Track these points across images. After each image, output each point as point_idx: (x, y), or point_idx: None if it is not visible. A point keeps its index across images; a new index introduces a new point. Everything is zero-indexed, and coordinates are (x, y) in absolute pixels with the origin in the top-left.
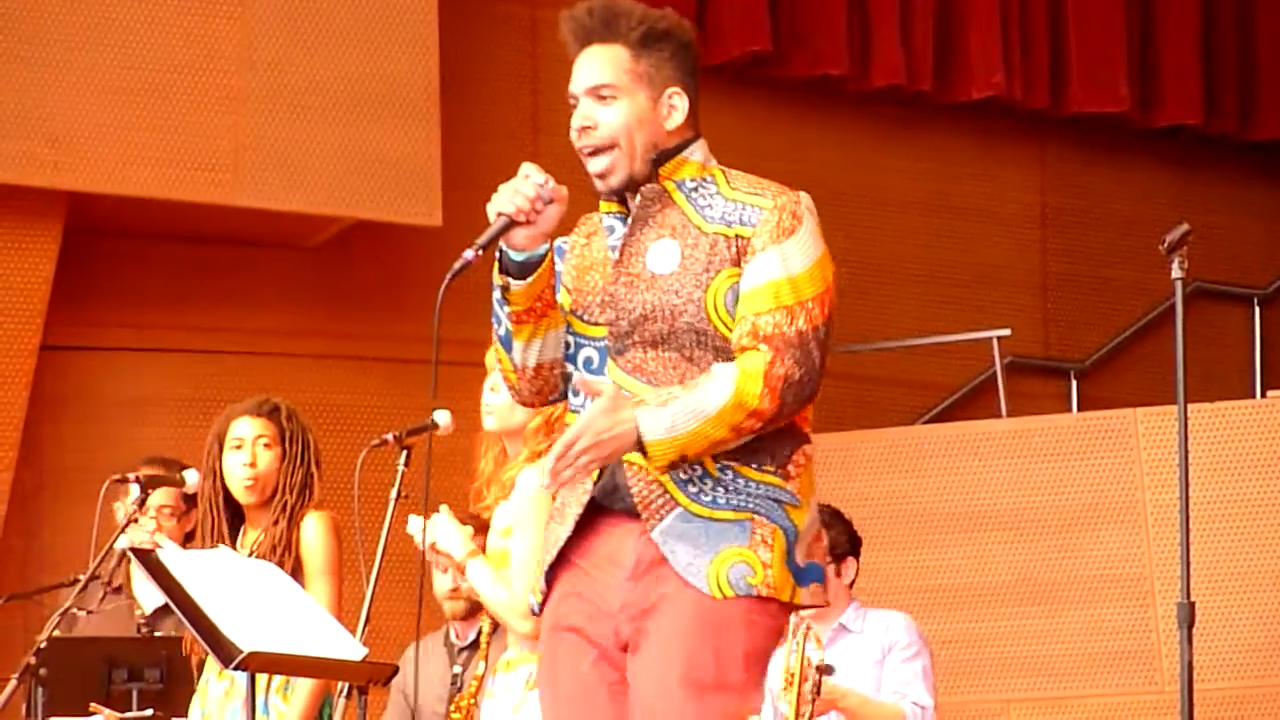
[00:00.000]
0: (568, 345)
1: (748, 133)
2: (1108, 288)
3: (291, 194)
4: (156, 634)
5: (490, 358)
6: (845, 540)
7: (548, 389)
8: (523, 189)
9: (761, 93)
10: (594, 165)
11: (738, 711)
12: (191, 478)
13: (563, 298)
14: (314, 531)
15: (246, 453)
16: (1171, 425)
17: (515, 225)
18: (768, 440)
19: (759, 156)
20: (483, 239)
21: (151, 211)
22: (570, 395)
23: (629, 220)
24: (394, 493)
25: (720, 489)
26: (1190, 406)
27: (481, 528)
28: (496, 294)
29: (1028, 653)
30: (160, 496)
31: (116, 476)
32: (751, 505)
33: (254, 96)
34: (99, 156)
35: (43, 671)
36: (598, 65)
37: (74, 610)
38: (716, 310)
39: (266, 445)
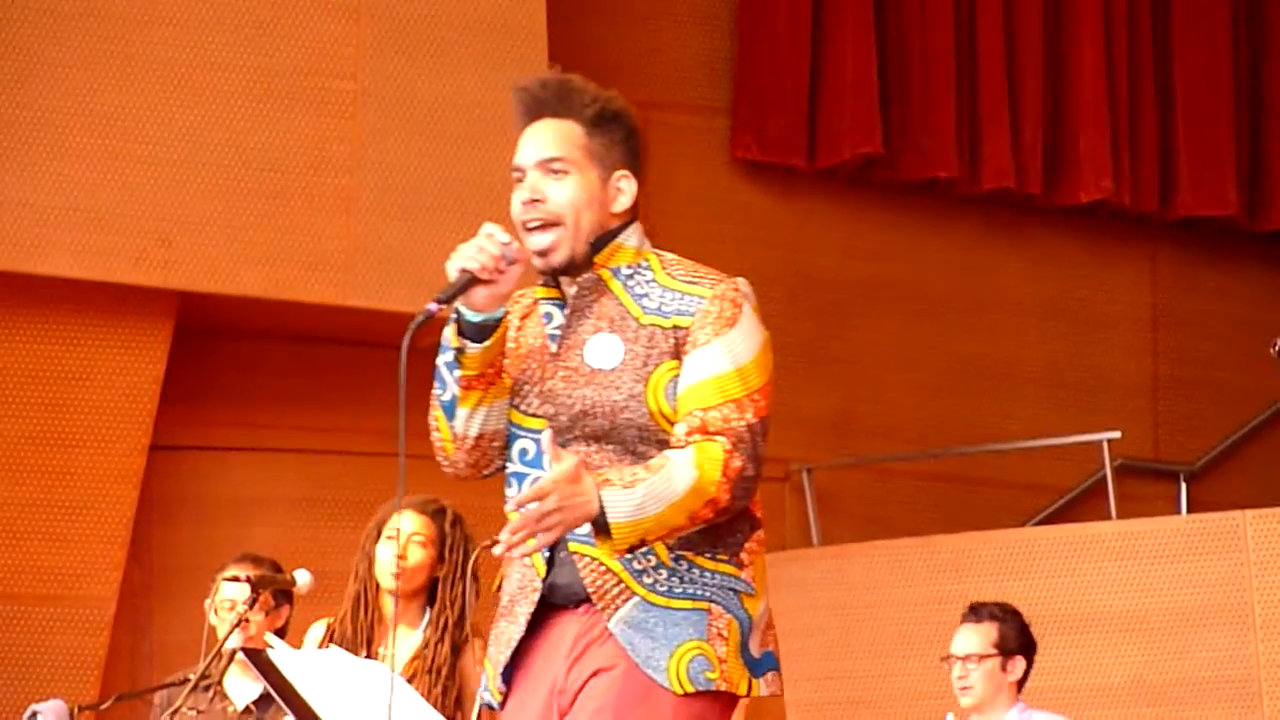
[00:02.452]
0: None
1: (859, 235)
2: (1218, 390)
3: (403, 294)
4: None
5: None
6: (1015, 636)
7: (484, 461)
8: (487, 247)
9: (873, 195)
10: (537, 241)
11: None
12: (302, 578)
13: None
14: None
15: (398, 544)
16: None
17: (478, 283)
18: (720, 528)
19: (871, 258)
20: (444, 293)
21: (262, 311)
22: (506, 486)
23: (566, 309)
24: None
25: (675, 578)
26: None
27: None
28: (448, 356)
29: None
30: (246, 590)
31: (227, 575)
32: (708, 594)
33: (365, 197)
34: (210, 256)
35: None
36: (551, 138)
37: (185, 710)
38: (658, 404)
39: (420, 544)
